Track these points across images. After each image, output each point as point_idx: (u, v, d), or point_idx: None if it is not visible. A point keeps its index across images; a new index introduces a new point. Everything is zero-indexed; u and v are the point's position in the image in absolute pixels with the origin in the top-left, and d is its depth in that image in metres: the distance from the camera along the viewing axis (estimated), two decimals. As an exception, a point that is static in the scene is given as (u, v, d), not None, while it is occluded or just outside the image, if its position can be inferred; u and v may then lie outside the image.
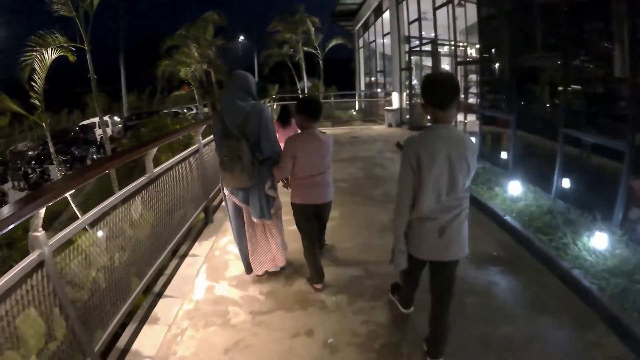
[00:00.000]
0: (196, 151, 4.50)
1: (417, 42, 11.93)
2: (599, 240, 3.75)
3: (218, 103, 20.52)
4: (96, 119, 25.37)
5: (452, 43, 9.83)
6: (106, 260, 2.57)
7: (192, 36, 18.25)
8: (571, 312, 2.98)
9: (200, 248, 4.18)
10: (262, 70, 27.50)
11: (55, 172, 17.58)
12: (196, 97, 19.64)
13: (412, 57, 13.24)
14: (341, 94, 22.75)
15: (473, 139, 8.11)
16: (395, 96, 13.69)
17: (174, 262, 3.91)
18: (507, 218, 4.60)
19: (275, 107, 12.75)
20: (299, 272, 3.62)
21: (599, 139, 4.45)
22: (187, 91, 23.42)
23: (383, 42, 16.32)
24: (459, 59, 10.18)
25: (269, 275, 3.59)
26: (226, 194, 3.30)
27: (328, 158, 3.19)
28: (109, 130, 25.19)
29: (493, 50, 6.73)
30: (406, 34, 12.75)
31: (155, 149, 3.31)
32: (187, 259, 3.94)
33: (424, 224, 2.22)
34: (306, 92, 23.14)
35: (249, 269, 3.54)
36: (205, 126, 4.75)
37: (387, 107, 14.00)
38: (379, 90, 18.99)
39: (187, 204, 4.17)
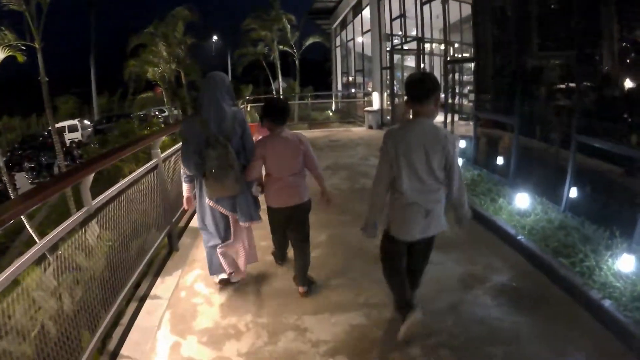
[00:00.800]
0: (154, 167, 3.74)
1: (400, 40, 11.41)
2: (625, 262, 3.28)
3: (188, 106, 19.61)
4: (66, 123, 24.12)
5: (442, 40, 9.36)
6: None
7: (160, 34, 17.15)
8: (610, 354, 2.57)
9: (163, 286, 3.47)
10: (235, 69, 26.65)
11: (22, 181, 16.51)
12: (165, 99, 18.52)
13: (394, 56, 12.79)
14: (317, 95, 22.15)
15: (463, 143, 7.79)
16: (375, 96, 13.20)
17: (133, 305, 3.20)
18: (521, 239, 4.10)
19: (249, 109, 12.02)
20: (284, 328, 2.95)
21: (619, 148, 4.02)
22: (159, 93, 22.39)
23: (362, 40, 15.84)
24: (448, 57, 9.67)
25: (249, 328, 2.92)
26: (210, 204, 3.16)
27: (299, 159, 3.09)
28: (78, 135, 23.99)
29: (491, 46, 6.27)
30: (387, 31, 12.27)
31: (92, 175, 2.54)
32: (148, 303, 3.22)
33: (411, 209, 2.51)
34: (281, 93, 22.42)
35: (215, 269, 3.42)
36: (164, 137, 4.04)
37: (367, 108, 13.47)
38: (355, 90, 18.50)
39: (146, 232, 3.45)
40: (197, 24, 18.63)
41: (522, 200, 4.81)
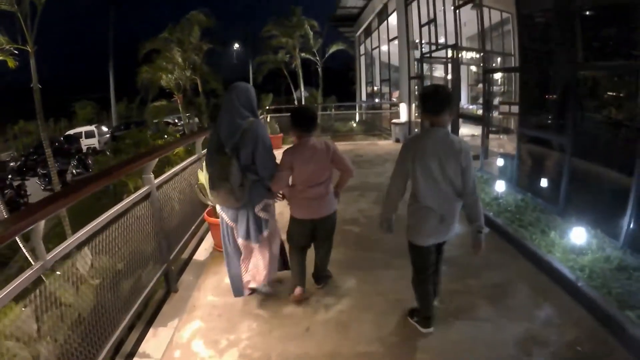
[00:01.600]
0: (146, 196, 3.18)
1: (430, 48, 10.79)
2: None
3: (204, 115, 19.27)
4: (82, 129, 24.26)
5: (475, 49, 8.73)
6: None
7: (175, 39, 16.86)
8: None
9: (154, 342, 2.91)
10: (255, 78, 26.39)
11: (34, 187, 16.41)
12: (180, 108, 18.13)
13: (424, 65, 12.20)
14: (340, 105, 21.64)
15: (501, 161, 7.13)
16: (403, 108, 12.59)
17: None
18: (582, 285, 3.44)
19: (269, 119, 11.55)
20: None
21: None
22: (181, 101, 22.25)
23: (389, 48, 15.28)
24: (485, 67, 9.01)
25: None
26: (217, 209, 3.27)
27: (327, 166, 3.13)
28: (95, 141, 24.08)
29: (538, 55, 5.62)
30: (416, 39, 11.69)
31: (43, 222, 1.98)
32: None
33: (427, 214, 2.68)
34: (303, 102, 22.00)
35: (237, 291, 3.37)
36: (157, 160, 3.41)
37: (394, 120, 12.84)
38: (380, 100, 17.89)
39: (135, 274, 2.94)
40: (215, 30, 18.31)
41: (579, 235, 4.15)
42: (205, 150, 4.41)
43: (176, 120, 24.36)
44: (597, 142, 4.86)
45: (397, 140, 12.15)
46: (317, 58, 20.40)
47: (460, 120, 11.32)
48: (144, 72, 17.00)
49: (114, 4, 34.06)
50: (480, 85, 13.31)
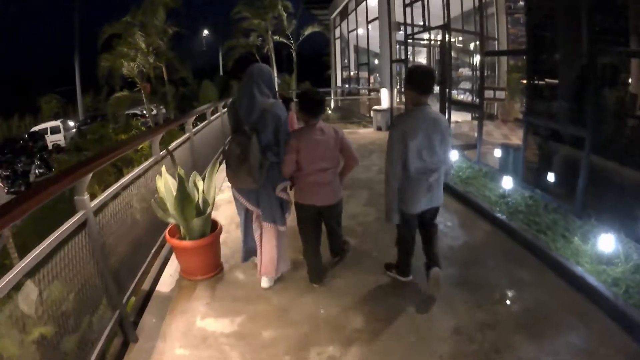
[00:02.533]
0: (81, 225, 2.32)
1: (416, 30, 10.14)
2: None
3: (169, 106, 18.01)
4: (47, 124, 22.57)
5: (475, 31, 8.12)
6: None
7: (138, 22, 15.50)
8: None
9: None
10: (225, 64, 25.05)
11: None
12: (144, 98, 16.78)
13: (407, 47, 11.61)
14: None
15: (498, 152, 6.67)
16: (384, 93, 11.99)
17: None
18: (621, 305, 2.96)
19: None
20: None
21: None
22: (148, 90, 20.73)
23: (367, 31, 14.57)
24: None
25: None
26: (232, 193, 3.24)
27: (335, 152, 3.15)
28: (61, 137, 22.47)
29: (552, 37, 5.07)
30: (400, 20, 11.05)
31: None
32: None
33: (417, 184, 2.98)
34: (276, 89, 21.13)
35: (247, 255, 3.50)
36: (90, 176, 2.41)
37: (375, 107, 12.21)
38: (359, 86, 17.22)
39: (73, 327, 2.15)
40: (183, 12, 16.91)
41: (607, 242, 3.66)
42: (163, 152, 4.10)
43: (144, 112, 22.89)
44: (619, 135, 4.38)
45: (379, 129, 11.56)
46: (292, 41, 19.40)
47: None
48: (103, 61, 15.58)
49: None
50: (461, 70, 12.87)
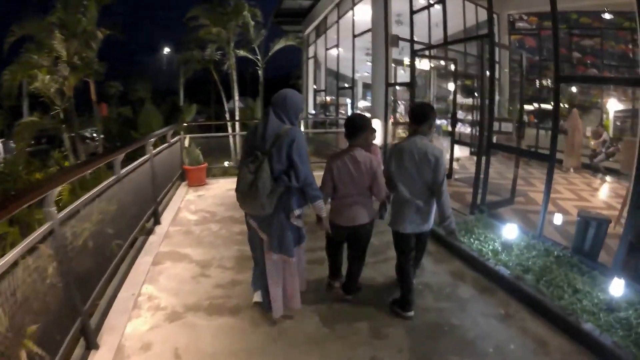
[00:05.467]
0: (48, 235, 2.56)
1: (410, 45, 8.03)
2: None
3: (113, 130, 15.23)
4: None
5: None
6: None
7: (58, 22, 11.67)
8: None
9: None
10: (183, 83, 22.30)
11: None
12: (62, 124, 12.70)
13: (395, 69, 9.61)
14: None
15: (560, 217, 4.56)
16: (377, 125, 9.81)
17: None
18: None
19: (187, 142, 8.14)
20: None
21: None
22: (105, 111, 17.56)
23: (353, 47, 12.49)
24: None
25: None
26: (246, 219, 3.31)
27: (364, 180, 3.27)
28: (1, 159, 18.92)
29: None
30: (397, 33, 9.02)
31: None
32: None
33: (407, 205, 3.34)
34: (237, 115, 18.46)
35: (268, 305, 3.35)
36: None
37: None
38: (336, 115, 15.09)
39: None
40: (121, 12, 13.87)
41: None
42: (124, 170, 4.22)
43: (94, 134, 19.47)
44: None
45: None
46: (258, 57, 16.83)
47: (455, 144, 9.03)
48: (4, 75, 11.78)
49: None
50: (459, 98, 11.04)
